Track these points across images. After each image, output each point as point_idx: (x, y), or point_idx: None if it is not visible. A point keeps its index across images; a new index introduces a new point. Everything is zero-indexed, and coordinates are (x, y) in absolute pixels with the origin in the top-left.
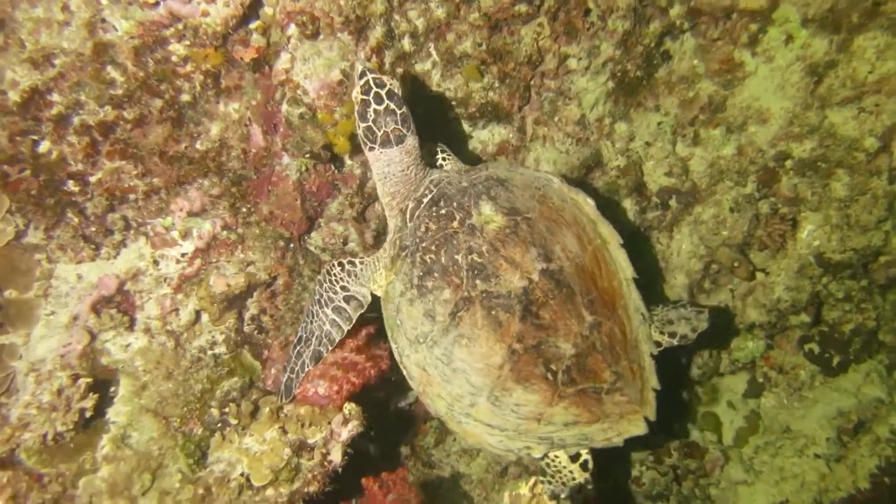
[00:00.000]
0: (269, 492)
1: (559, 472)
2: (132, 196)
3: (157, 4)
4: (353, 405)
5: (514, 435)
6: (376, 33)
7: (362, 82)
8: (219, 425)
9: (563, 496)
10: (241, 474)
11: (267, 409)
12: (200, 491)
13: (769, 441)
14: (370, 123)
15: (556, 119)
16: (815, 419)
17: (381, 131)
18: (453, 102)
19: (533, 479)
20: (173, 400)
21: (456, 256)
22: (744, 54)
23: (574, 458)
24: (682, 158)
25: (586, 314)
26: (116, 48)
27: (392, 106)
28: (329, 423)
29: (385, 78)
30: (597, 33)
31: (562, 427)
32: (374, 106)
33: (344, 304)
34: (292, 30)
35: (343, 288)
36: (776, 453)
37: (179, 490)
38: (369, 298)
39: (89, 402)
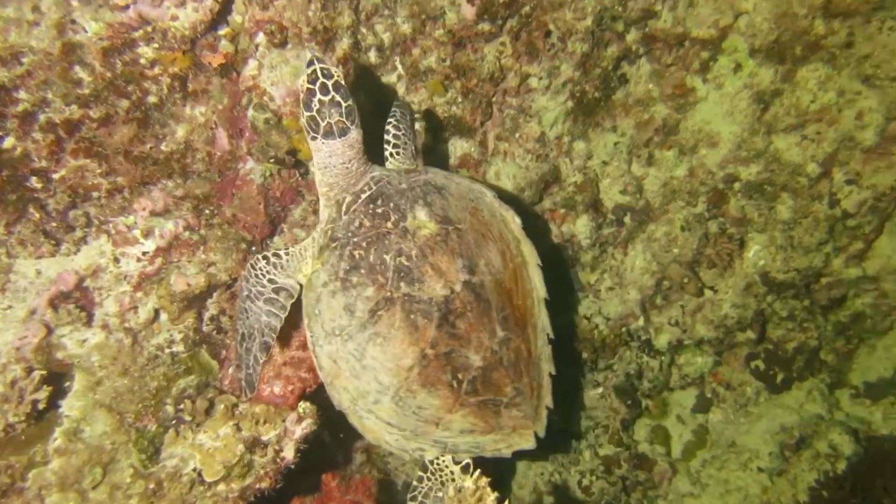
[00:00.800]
0: (221, 487)
1: (440, 470)
2: (95, 194)
3: (126, 7)
4: (307, 404)
5: (410, 436)
6: (343, 45)
7: (309, 70)
8: (173, 422)
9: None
10: (194, 469)
11: (222, 406)
12: (152, 485)
13: (716, 455)
14: (314, 113)
15: (516, 135)
16: (759, 434)
17: (325, 122)
18: (417, 115)
19: (477, 472)
20: (128, 396)
21: (385, 256)
22: (695, 80)
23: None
24: (637, 177)
25: (499, 329)
26: (85, 49)
27: (338, 98)
28: (283, 420)
29: (333, 69)
30: (557, 54)
31: (457, 434)
32: (319, 96)
33: (274, 296)
34: (260, 38)
35: (270, 281)
36: (722, 467)
37: (130, 484)
38: (298, 288)
39: (42, 395)
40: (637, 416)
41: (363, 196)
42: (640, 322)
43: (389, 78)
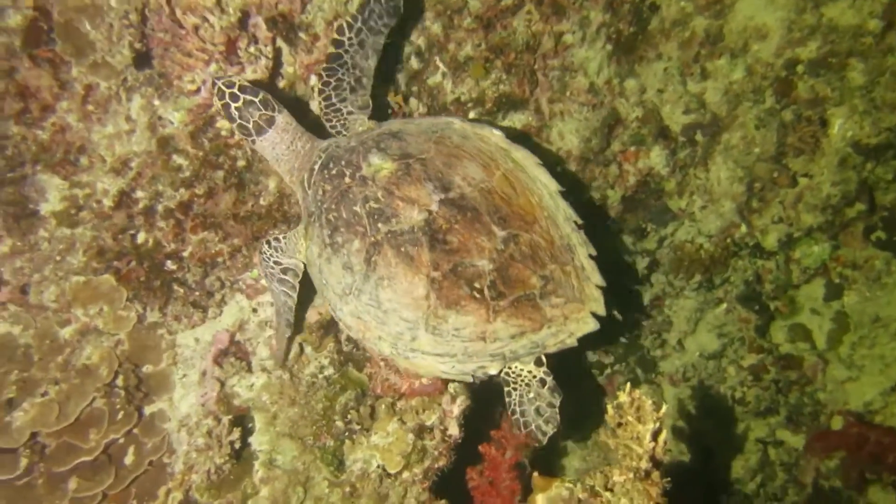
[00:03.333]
0: (406, 475)
1: (519, 376)
2: (220, 259)
3: (198, 90)
4: (455, 383)
5: (464, 358)
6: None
7: (215, 90)
8: (346, 434)
9: (533, 397)
10: (378, 466)
11: (383, 407)
12: (347, 489)
13: (863, 335)
14: (239, 121)
15: (567, 93)
16: None
17: (251, 122)
18: (470, 104)
19: (628, 385)
20: (302, 422)
21: (354, 208)
22: None
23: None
24: (696, 94)
25: (497, 230)
26: (176, 138)
27: (248, 97)
28: (439, 404)
29: (231, 77)
30: (582, 4)
31: (509, 340)
32: (233, 105)
33: (283, 276)
34: (314, 80)
35: (276, 263)
36: (873, 344)
37: (329, 494)
38: (302, 267)
39: (236, 435)
40: (769, 321)
41: (316, 167)
42: (744, 229)
43: (435, 78)
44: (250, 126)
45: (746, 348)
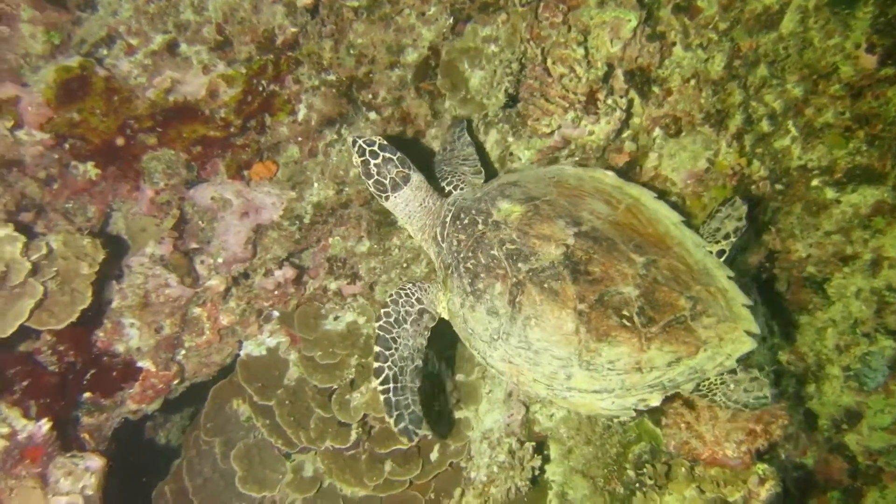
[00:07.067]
0: None
1: (713, 384)
2: None
3: (552, 133)
4: (766, 466)
5: (622, 392)
6: (735, 121)
7: (355, 148)
8: (636, 485)
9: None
10: None
11: (682, 470)
12: None
13: None
14: (376, 177)
15: None
16: None
17: (388, 179)
18: (816, 171)
19: None
20: (595, 462)
21: (492, 252)
22: None
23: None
24: None
25: (636, 256)
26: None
27: (387, 155)
28: (745, 482)
29: (372, 137)
30: None
31: (666, 368)
32: (373, 162)
33: (419, 317)
34: (657, 132)
35: (418, 300)
36: None
37: None
38: (437, 317)
39: (537, 462)
40: None
41: (448, 219)
42: None
43: (783, 142)
44: (387, 182)
45: None
